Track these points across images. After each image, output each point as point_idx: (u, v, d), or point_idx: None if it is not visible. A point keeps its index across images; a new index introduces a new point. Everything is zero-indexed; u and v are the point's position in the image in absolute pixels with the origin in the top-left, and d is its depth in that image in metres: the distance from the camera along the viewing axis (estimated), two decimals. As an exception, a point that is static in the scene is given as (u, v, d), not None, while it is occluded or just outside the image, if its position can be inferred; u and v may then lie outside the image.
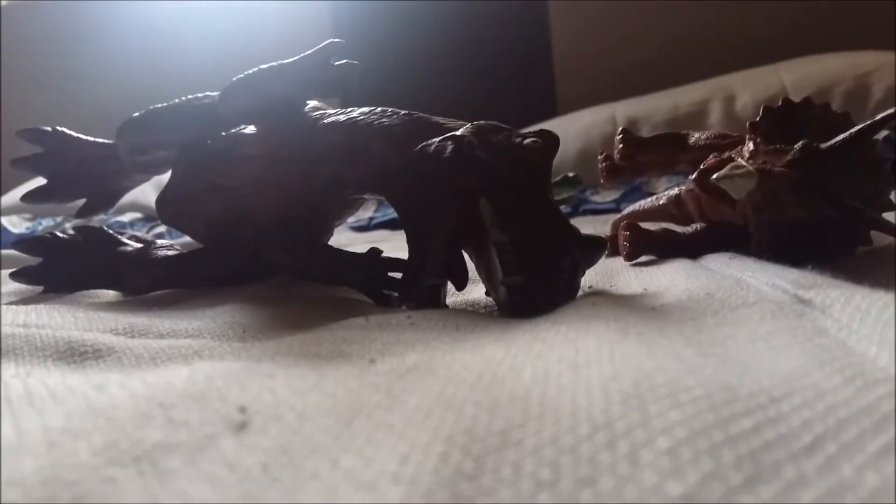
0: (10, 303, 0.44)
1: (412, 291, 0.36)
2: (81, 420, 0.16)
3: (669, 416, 0.16)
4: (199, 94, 0.49)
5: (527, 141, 0.36)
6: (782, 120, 0.42)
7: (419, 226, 0.37)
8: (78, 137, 0.55)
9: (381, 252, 0.42)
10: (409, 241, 0.37)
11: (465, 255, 0.39)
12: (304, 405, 0.17)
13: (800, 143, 0.38)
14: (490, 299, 0.39)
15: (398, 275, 0.39)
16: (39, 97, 1.79)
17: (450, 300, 0.40)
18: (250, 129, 0.46)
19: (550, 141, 0.37)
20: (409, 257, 0.37)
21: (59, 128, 0.55)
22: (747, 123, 0.42)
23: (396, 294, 0.40)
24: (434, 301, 0.36)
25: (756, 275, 0.33)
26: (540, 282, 0.33)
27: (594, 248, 0.37)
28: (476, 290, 0.43)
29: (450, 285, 0.38)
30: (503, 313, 0.36)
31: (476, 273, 0.39)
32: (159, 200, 0.49)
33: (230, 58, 1.63)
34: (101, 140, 0.55)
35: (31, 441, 0.15)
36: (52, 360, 0.26)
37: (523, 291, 0.33)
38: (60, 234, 0.49)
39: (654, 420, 0.15)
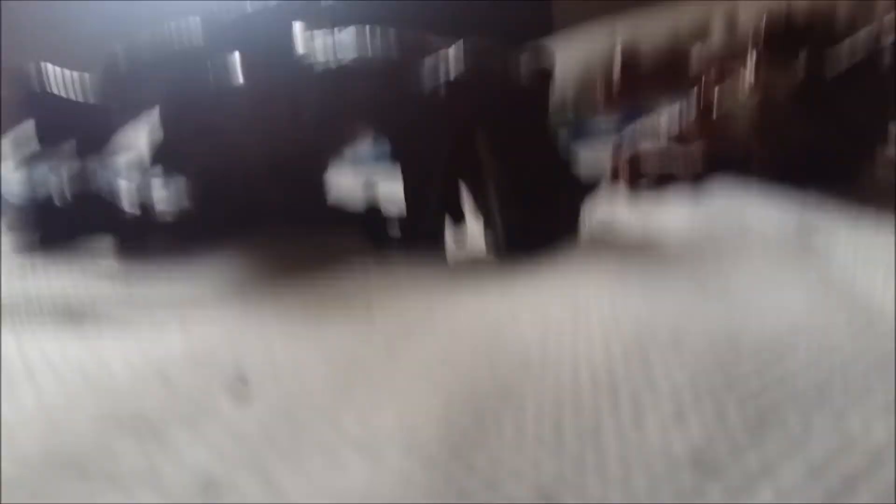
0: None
1: (412, 229, 0.36)
2: (79, 391, 0.16)
3: (670, 361, 0.15)
4: (182, 23, 0.48)
5: (524, 69, 0.35)
6: (787, 27, 0.41)
7: (414, 160, 0.36)
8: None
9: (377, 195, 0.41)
10: (403, 177, 0.36)
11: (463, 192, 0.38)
12: (302, 366, 0.17)
13: (804, 61, 0.37)
14: (489, 244, 0.38)
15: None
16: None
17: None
18: (238, 64, 0.45)
19: (547, 65, 0.36)
20: (404, 194, 0.36)
21: (43, 65, 0.53)
22: (750, 31, 0.41)
23: (397, 235, 0.39)
24: (435, 237, 0.36)
25: (759, 214, 0.33)
26: (538, 217, 0.33)
27: (594, 183, 0.36)
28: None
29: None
30: (501, 251, 0.35)
31: (475, 215, 0.38)
32: (151, 144, 0.48)
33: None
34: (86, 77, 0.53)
35: (30, 415, 0.15)
36: (50, 324, 0.25)
37: (521, 227, 0.33)
38: (56, 202, 0.49)
39: (655, 366, 0.15)
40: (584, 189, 0.35)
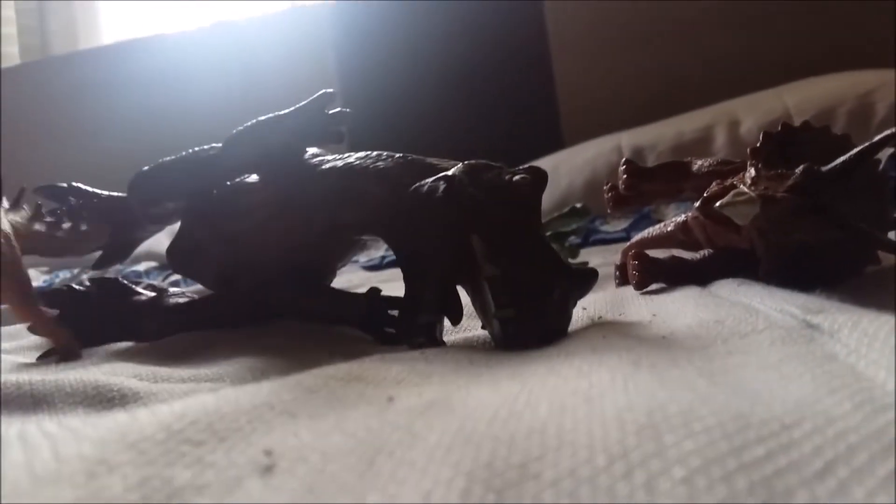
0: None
1: (408, 328, 0.37)
2: (116, 452, 0.16)
3: (684, 446, 0.16)
4: (206, 147, 0.51)
5: (516, 178, 0.37)
6: (783, 144, 0.42)
7: (415, 264, 0.38)
8: (93, 192, 0.56)
9: (380, 291, 0.43)
10: (405, 280, 0.38)
11: (462, 292, 0.39)
12: (327, 446, 0.18)
13: (801, 167, 0.38)
14: (487, 334, 0.40)
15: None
16: (44, 155, 1.81)
17: (450, 337, 0.41)
18: (253, 177, 0.47)
19: (539, 177, 0.38)
20: (405, 295, 0.38)
21: (74, 183, 0.56)
22: (748, 149, 0.43)
23: (395, 332, 0.41)
24: (430, 337, 0.37)
25: (765, 301, 0.33)
26: (530, 314, 0.34)
27: (585, 279, 0.38)
28: (474, 328, 0.43)
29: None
30: (498, 346, 0.36)
31: (473, 308, 0.39)
32: (170, 250, 0.50)
33: (232, 110, 1.66)
34: (114, 193, 0.56)
35: (70, 470, 0.16)
36: (82, 406, 0.26)
37: (515, 324, 0.34)
38: (77, 287, 0.50)
39: (669, 450, 0.16)
40: (575, 286, 0.37)
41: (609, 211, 0.56)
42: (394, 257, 1.06)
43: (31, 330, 0.49)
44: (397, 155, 0.42)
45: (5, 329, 0.60)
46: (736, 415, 0.17)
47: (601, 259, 0.75)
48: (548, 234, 0.72)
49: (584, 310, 0.44)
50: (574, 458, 0.16)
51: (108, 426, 0.18)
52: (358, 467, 0.16)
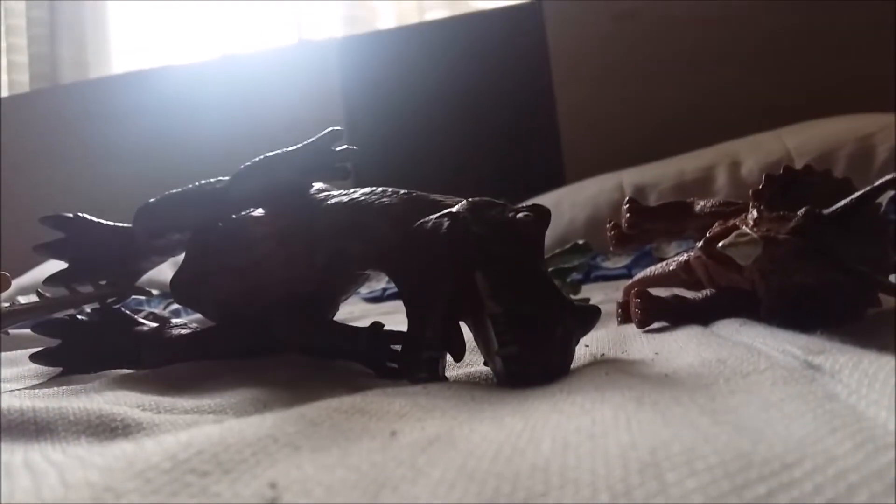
0: (35, 385, 0.45)
1: (411, 363, 0.37)
2: (122, 480, 0.17)
3: (686, 484, 0.16)
4: (212, 180, 0.51)
5: (519, 215, 0.38)
6: (784, 187, 0.43)
7: (418, 299, 0.38)
8: (97, 222, 0.56)
9: (383, 326, 0.43)
10: (408, 315, 0.38)
11: (465, 328, 0.39)
12: (331, 480, 0.18)
13: (802, 210, 0.39)
14: (489, 370, 0.40)
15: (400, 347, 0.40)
16: (52, 181, 1.82)
17: (452, 373, 0.41)
18: (259, 211, 0.48)
19: (542, 215, 0.39)
20: (407, 330, 0.38)
21: (79, 213, 0.56)
22: (750, 191, 0.43)
23: (397, 366, 0.41)
24: (432, 372, 0.37)
25: (766, 341, 0.34)
26: (534, 351, 0.34)
27: (587, 317, 0.38)
28: (476, 363, 0.43)
29: (449, 358, 0.39)
30: (501, 383, 0.36)
31: (475, 345, 0.39)
32: (174, 281, 0.50)
33: (239, 141, 1.68)
34: (119, 224, 0.57)
35: (78, 496, 0.16)
36: (85, 435, 0.26)
37: (518, 361, 0.34)
38: (79, 316, 0.50)
39: (671, 488, 0.16)
40: (578, 324, 0.37)
41: (612, 248, 0.56)
42: (395, 289, 1.07)
43: (33, 359, 0.49)
44: (402, 191, 0.43)
45: (6, 355, 0.60)
46: (738, 453, 0.17)
47: (603, 296, 0.76)
48: (549, 270, 0.72)
49: (587, 347, 0.44)
50: (577, 495, 0.16)
51: (115, 454, 0.18)
52: (362, 501, 0.16)
